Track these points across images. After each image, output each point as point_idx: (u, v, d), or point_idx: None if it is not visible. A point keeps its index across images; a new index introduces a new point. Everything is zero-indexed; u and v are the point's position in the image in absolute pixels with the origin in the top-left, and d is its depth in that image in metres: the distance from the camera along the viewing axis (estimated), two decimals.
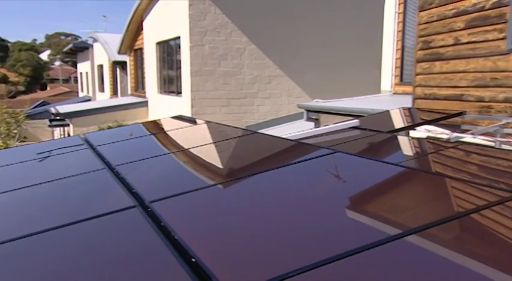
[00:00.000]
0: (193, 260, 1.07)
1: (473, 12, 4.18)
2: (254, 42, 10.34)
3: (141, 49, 14.50)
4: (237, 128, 3.33)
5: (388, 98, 6.83)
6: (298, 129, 4.60)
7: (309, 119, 7.00)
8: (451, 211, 1.32)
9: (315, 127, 5.89)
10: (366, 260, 1.02)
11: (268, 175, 1.89)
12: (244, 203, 1.57)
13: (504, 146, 3.21)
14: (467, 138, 3.39)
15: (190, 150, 2.65)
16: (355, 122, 4.07)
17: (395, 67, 7.12)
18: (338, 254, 1.03)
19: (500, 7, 3.91)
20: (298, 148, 2.39)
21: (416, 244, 1.10)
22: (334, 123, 4.27)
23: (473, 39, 4.21)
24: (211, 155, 2.51)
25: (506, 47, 3.91)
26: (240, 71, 10.37)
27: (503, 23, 3.90)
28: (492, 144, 3.31)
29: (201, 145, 2.76)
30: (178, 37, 10.44)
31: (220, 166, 2.27)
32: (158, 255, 1.14)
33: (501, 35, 3.94)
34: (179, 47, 10.52)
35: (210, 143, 2.83)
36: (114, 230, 1.39)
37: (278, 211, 1.45)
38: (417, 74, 4.98)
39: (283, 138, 2.76)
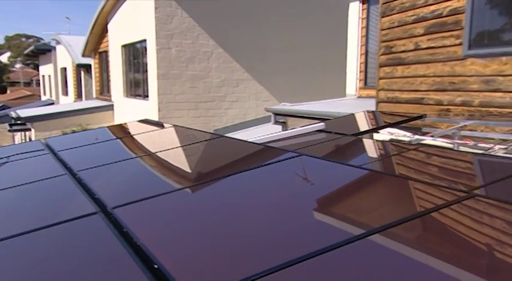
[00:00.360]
0: (155, 266, 1.06)
1: (431, 19, 4.34)
2: (221, 46, 10.33)
3: (106, 52, 14.20)
4: (204, 131, 3.32)
5: (353, 102, 6.98)
6: (266, 132, 4.63)
7: (276, 122, 7.06)
8: (412, 211, 1.37)
9: (283, 130, 5.94)
10: (331, 260, 1.04)
11: (235, 178, 1.90)
12: (210, 207, 1.57)
13: (462, 148, 3.34)
14: (428, 140, 3.51)
15: (156, 154, 2.62)
16: (321, 125, 4.14)
17: (360, 71, 7.29)
18: (303, 255, 1.05)
19: (456, 14, 4.07)
20: (265, 151, 2.41)
21: (380, 243, 1.14)
22: (300, 127, 4.32)
23: (432, 45, 4.37)
24: (177, 160, 2.50)
25: (462, 53, 4.07)
26: (208, 75, 10.33)
27: (459, 29, 4.07)
28: (451, 146, 3.44)
29: (168, 149, 2.73)
30: (145, 40, 10.30)
31: (186, 170, 2.26)
32: (120, 262, 1.12)
33: (458, 41, 4.10)
34: (145, 50, 10.38)
35: (177, 147, 2.81)
36: (74, 238, 1.36)
37: (243, 214, 1.46)
38: (380, 78, 5.11)
39: (250, 142, 2.78)
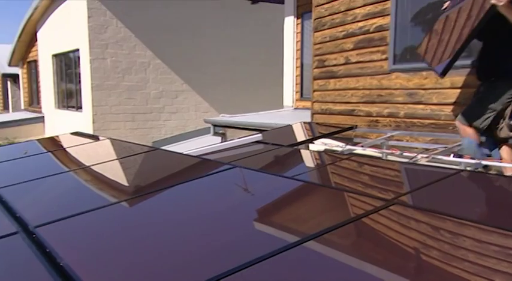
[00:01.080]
0: None
1: (359, 35, 4.58)
2: (159, 57, 10.20)
3: (35, 61, 13.48)
4: (140, 144, 3.25)
5: (290, 113, 7.15)
6: (205, 144, 4.61)
7: (215, 133, 7.05)
8: (339, 218, 1.43)
9: (222, 141, 5.95)
10: (269, 268, 1.05)
11: (169, 192, 1.88)
12: (142, 223, 1.54)
13: (389, 157, 3.54)
14: (358, 150, 3.68)
15: (88, 169, 2.53)
16: (258, 136, 4.20)
17: (296, 84, 7.50)
18: (240, 265, 1.05)
19: (382, 31, 4.34)
20: (201, 164, 2.41)
21: (313, 249, 1.18)
22: (238, 138, 4.36)
23: (361, 59, 4.61)
24: (110, 174, 2.42)
25: (388, 67, 4.34)
26: (145, 86, 10.14)
27: (384, 45, 4.34)
28: (379, 155, 3.63)
29: (101, 163, 2.65)
30: (77, 49, 9.92)
31: (119, 185, 2.20)
32: None
33: (384, 56, 4.36)
34: (79, 60, 9.98)
35: (110, 161, 2.73)
36: None
37: (176, 228, 1.44)
38: (314, 91, 5.29)
39: (186, 155, 2.76)
